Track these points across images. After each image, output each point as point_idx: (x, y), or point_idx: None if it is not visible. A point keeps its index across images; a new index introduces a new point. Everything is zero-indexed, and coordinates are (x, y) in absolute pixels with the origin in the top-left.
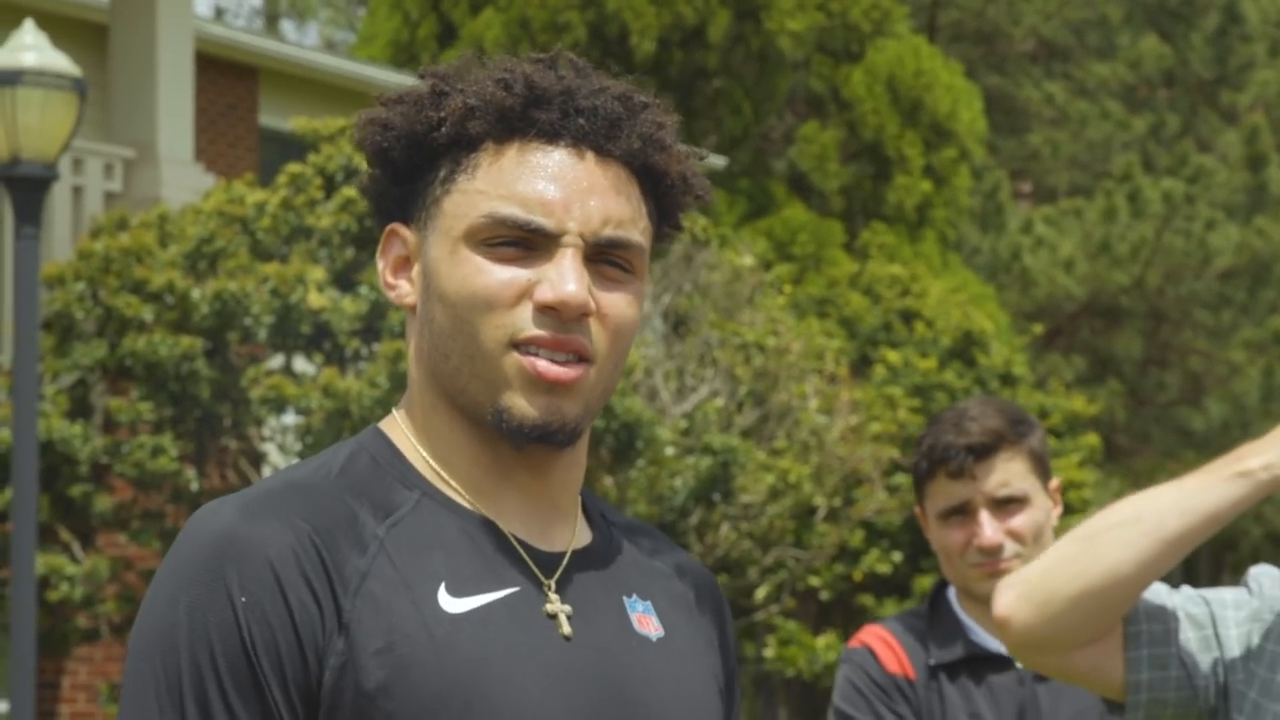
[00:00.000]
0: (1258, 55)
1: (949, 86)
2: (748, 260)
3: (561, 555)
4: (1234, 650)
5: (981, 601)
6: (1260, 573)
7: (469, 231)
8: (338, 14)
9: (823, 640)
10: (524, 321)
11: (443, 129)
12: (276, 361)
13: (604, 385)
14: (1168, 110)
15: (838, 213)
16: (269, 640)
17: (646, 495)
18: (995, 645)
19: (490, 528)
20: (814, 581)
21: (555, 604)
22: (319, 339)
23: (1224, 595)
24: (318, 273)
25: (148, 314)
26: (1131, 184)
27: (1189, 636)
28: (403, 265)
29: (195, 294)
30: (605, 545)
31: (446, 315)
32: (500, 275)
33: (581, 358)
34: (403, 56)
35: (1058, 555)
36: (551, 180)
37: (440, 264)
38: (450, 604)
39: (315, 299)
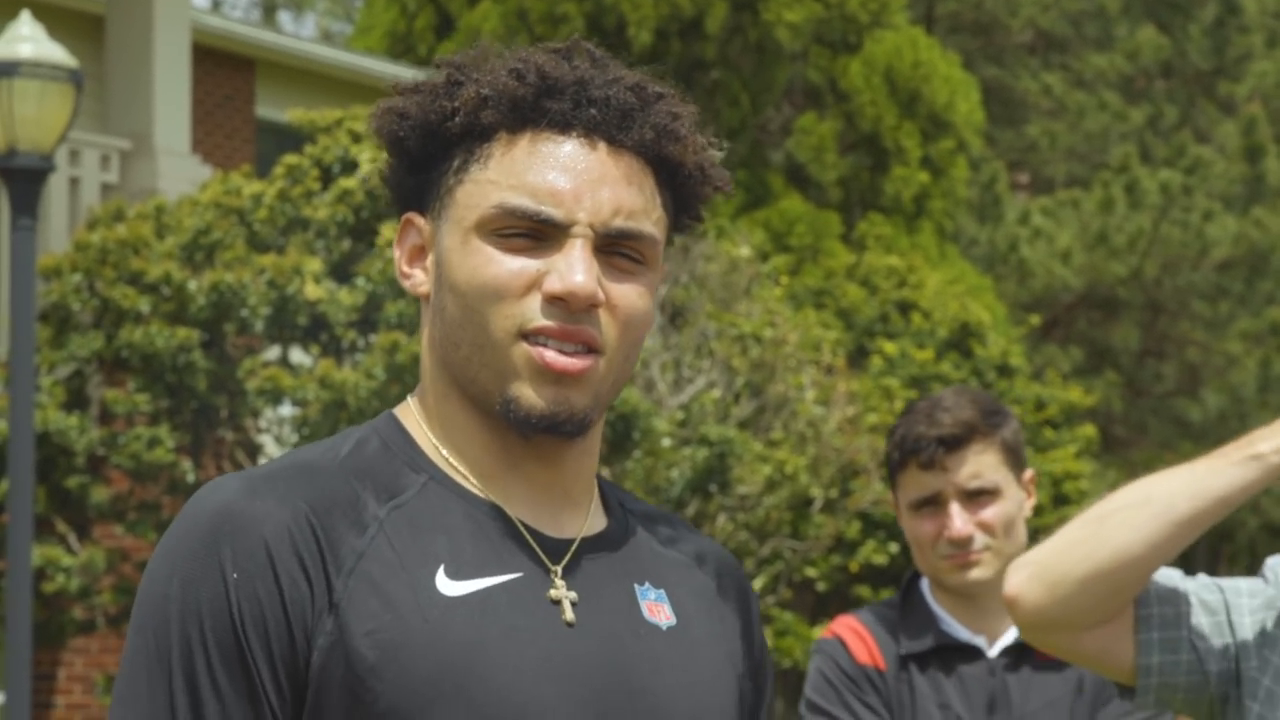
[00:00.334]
0: (1255, 46)
1: (946, 78)
2: (745, 251)
3: (571, 542)
4: (1247, 637)
5: (952, 592)
6: (1276, 562)
7: (480, 222)
8: (335, 5)
9: (819, 631)
10: (533, 312)
11: (456, 119)
12: (273, 353)
13: (615, 376)
14: (1165, 101)
15: (835, 204)
16: (258, 617)
17: (643, 486)
18: (966, 636)
19: (498, 513)
20: (810, 572)
21: (560, 590)
22: (316, 330)
23: (1238, 583)
24: (314, 264)
25: (144, 305)
26: (1129, 175)
27: (1201, 621)
28: (418, 254)
29: (192, 285)
30: (619, 532)
31: (457, 305)
32: (510, 265)
33: (590, 348)
34: (400, 48)
35: (1068, 536)
36: (562, 171)
37: (452, 254)
38: (448, 587)
39: (312, 290)
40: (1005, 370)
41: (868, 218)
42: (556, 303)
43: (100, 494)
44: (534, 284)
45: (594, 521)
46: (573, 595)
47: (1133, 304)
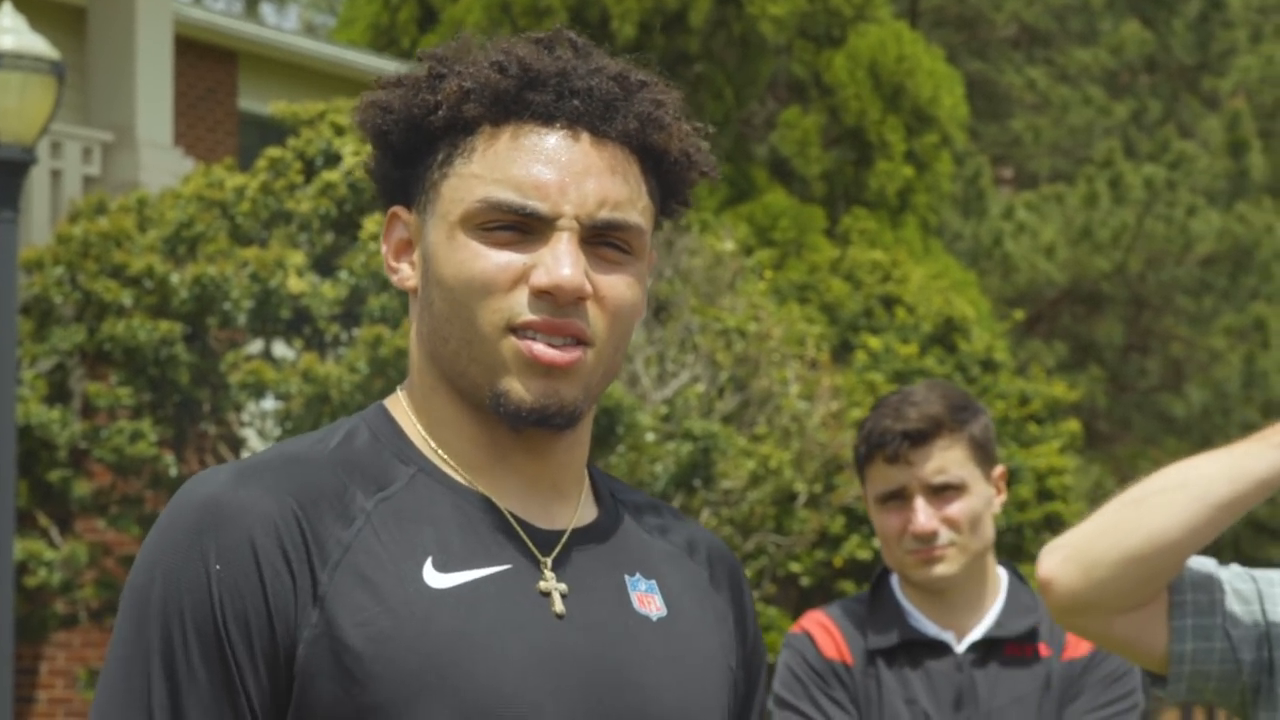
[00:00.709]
0: (1239, 41)
1: (931, 72)
2: (729, 245)
3: (561, 533)
4: None
5: (919, 587)
6: None
7: (465, 216)
8: None
9: None
10: (520, 306)
11: (439, 112)
12: (256, 346)
13: (605, 368)
14: (1149, 96)
15: (819, 198)
16: (239, 609)
17: (627, 481)
18: (934, 631)
19: (487, 505)
20: (795, 568)
21: (550, 582)
22: (298, 324)
23: (1272, 574)
24: (297, 257)
25: (126, 298)
26: (1113, 170)
27: (1235, 609)
28: (405, 248)
29: (174, 278)
30: (610, 523)
31: (444, 300)
32: (496, 260)
33: (579, 341)
34: (383, 40)
35: (1104, 519)
36: (546, 163)
37: (438, 248)
38: (435, 579)
39: (295, 284)
40: (989, 365)
41: (852, 212)
42: (544, 296)
43: (82, 488)
44: (521, 278)
45: (584, 513)
46: (562, 587)
47: (1117, 299)
